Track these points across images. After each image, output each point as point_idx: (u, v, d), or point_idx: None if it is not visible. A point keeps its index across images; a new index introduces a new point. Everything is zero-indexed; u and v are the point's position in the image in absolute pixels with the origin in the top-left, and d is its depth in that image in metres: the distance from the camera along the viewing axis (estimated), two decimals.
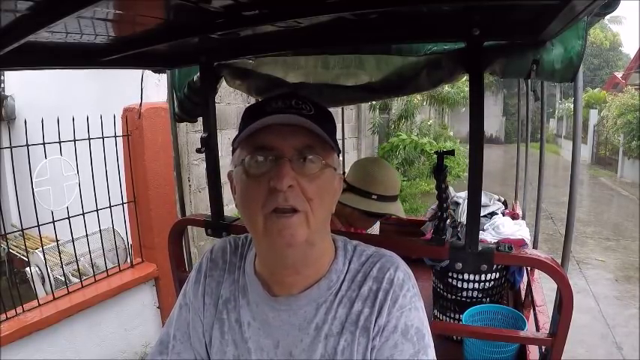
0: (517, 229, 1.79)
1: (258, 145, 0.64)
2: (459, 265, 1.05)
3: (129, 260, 2.81)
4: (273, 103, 0.67)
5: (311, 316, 0.70)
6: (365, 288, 0.69)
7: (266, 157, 0.63)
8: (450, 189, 1.95)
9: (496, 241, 1.63)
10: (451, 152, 1.21)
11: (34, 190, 2.28)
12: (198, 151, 1.37)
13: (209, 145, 1.36)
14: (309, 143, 0.64)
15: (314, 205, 0.64)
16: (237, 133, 0.68)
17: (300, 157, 0.64)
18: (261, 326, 0.72)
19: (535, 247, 2.04)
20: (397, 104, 8.47)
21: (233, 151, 0.70)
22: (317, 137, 0.64)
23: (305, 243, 0.65)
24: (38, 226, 2.18)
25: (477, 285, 1.64)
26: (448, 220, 1.78)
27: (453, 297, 1.69)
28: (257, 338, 0.72)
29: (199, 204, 3.41)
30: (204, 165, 1.92)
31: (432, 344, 0.69)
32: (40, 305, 2.21)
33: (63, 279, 2.61)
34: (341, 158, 0.78)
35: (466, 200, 1.11)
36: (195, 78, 1.46)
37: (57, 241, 2.53)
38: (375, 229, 2.62)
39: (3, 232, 2.25)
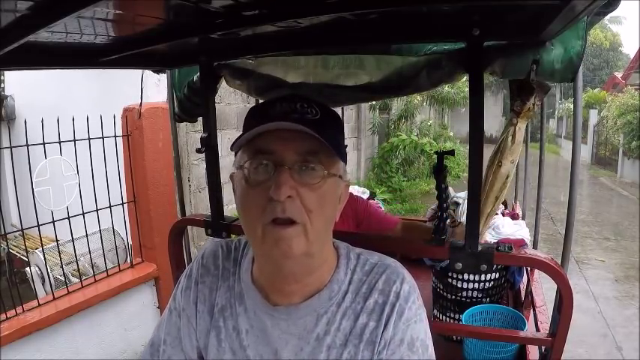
0: (517, 229, 1.79)
1: (258, 149, 0.63)
2: (459, 265, 1.05)
3: (129, 260, 2.81)
4: (277, 105, 0.65)
5: (311, 325, 0.69)
6: (370, 301, 0.68)
7: (266, 164, 0.62)
8: (450, 189, 1.95)
9: (496, 241, 1.63)
10: (451, 152, 1.22)
11: (34, 190, 2.28)
12: (198, 151, 1.36)
13: (209, 145, 1.36)
14: (312, 150, 0.62)
15: (313, 216, 0.62)
16: (240, 132, 0.68)
17: (301, 166, 0.62)
18: (260, 334, 0.71)
19: (535, 247, 2.04)
20: (397, 104, 8.47)
21: (235, 152, 0.69)
22: (320, 144, 0.61)
23: (303, 255, 0.63)
24: (38, 226, 2.18)
25: (476, 285, 1.64)
26: (448, 220, 1.78)
27: (453, 297, 1.69)
28: (256, 346, 0.71)
29: (199, 204, 3.41)
30: (204, 165, 1.91)
31: (434, 354, 0.69)
32: (40, 305, 2.20)
33: (63, 279, 2.61)
34: None
35: (466, 200, 1.11)
36: (195, 78, 1.46)
37: (57, 241, 2.53)
38: None
39: (3, 232, 2.25)
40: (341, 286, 0.70)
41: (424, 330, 0.69)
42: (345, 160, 0.68)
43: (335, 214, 0.69)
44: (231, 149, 0.68)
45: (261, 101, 1.62)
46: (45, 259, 2.52)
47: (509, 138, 1.21)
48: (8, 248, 3.48)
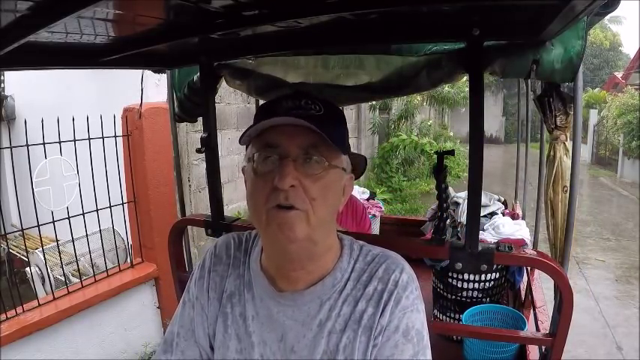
0: (517, 229, 1.79)
1: (266, 143, 0.67)
2: (459, 265, 1.05)
3: (129, 260, 2.81)
4: (283, 102, 0.69)
5: (315, 312, 0.71)
6: (370, 288, 0.71)
7: (272, 156, 0.66)
8: (450, 189, 1.95)
9: (496, 241, 1.63)
10: (451, 152, 1.22)
11: (34, 190, 2.28)
12: (198, 151, 1.37)
13: (209, 145, 1.36)
14: (314, 144, 0.66)
15: (316, 204, 0.65)
16: (240, 132, 0.70)
17: (304, 158, 0.66)
18: (265, 321, 0.73)
19: (535, 247, 2.04)
20: (397, 104, 8.47)
21: (247, 147, 0.73)
22: (322, 138, 0.65)
23: (306, 239, 0.66)
24: (38, 226, 2.18)
25: (477, 285, 1.64)
26: (448, 220, 1.78)
27: (453, 297, 1.69)
28: (260, 332, 0.73)
29: (199, 204, 3.41)
30: (204, 165, 1.92)
31: (429, 345, 0.71)
32: (40, 305, 2.21)
33: (63, 279, 2.61)
34: None
35: (466, 200, 1.11)
36: (195, 78, 1.46)
37: (57, 241, 2.53)
38: (375, 229, 2.63)
39: (3, 232, 2.25)
40: (344, 274, 0.73)
41: (420, 321, 0.70)
42: (348, 152, 0.72)
43: (338, 204, 0.73)
44: (240, 143, 0.72)
45: (261, 101, 1.63)
46: (45, 259, 2.52)
47: (564, 157, 1.11)
48: (8, 248, 3.48)
